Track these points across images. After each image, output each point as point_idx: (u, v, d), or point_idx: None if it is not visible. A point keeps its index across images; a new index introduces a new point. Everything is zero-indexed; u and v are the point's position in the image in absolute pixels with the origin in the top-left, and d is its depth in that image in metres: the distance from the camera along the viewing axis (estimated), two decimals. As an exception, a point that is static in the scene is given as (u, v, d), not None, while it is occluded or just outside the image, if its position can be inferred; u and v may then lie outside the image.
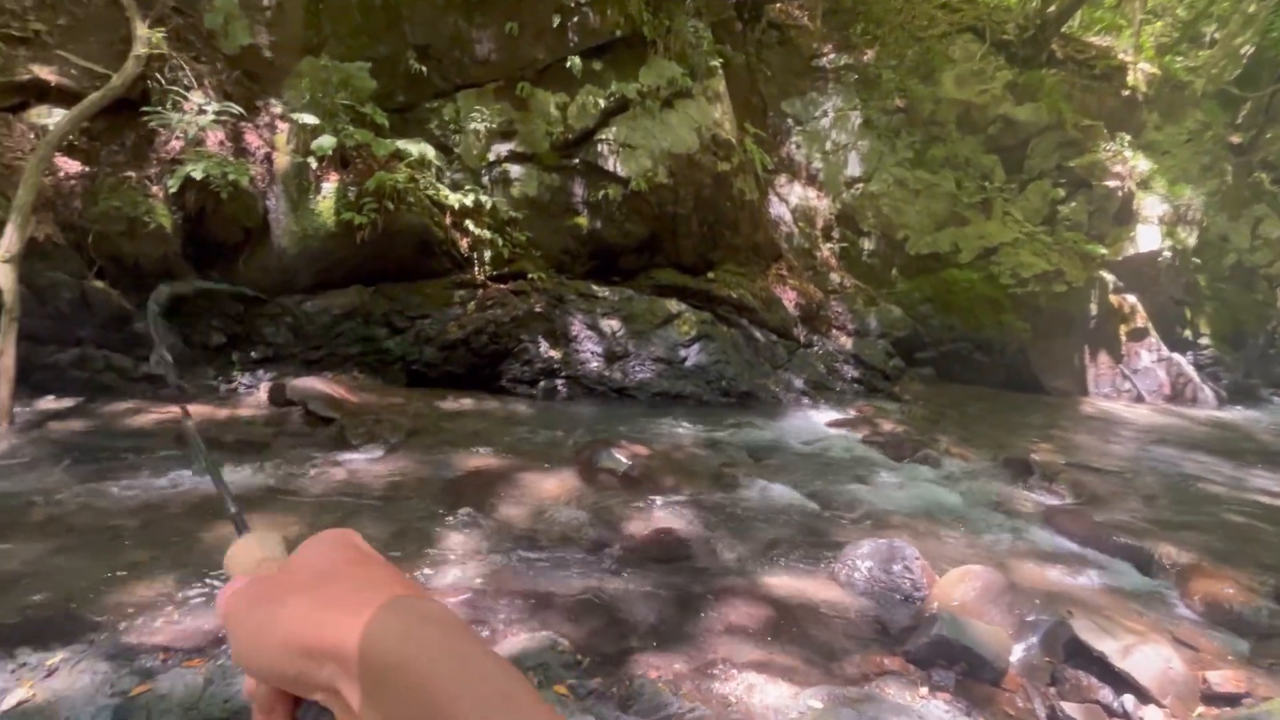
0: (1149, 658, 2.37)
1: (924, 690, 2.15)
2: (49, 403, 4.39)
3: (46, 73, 4.94)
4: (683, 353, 6.63)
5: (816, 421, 6.20)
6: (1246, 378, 10.68)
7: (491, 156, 6.59)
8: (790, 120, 9.07)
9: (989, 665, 2.43)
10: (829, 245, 8.93)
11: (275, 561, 0.43)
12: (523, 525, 3.37)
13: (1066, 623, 2.59)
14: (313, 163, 5.52)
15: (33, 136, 4.82)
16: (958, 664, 2.44)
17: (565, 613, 2.56)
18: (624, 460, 4.32)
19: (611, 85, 6.57)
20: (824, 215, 8.93)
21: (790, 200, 8.91)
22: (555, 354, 6.31)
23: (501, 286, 6.38)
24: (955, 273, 8.84)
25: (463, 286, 6.31)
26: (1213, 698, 2.38)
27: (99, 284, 4.81)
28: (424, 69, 6.15)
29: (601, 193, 6.65)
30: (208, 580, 2.43)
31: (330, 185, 5.62)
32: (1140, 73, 10.33)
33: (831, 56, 9.23)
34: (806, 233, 8.81)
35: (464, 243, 6.32)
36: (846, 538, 3.47)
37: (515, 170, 6.57)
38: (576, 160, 6.71)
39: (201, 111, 5.20)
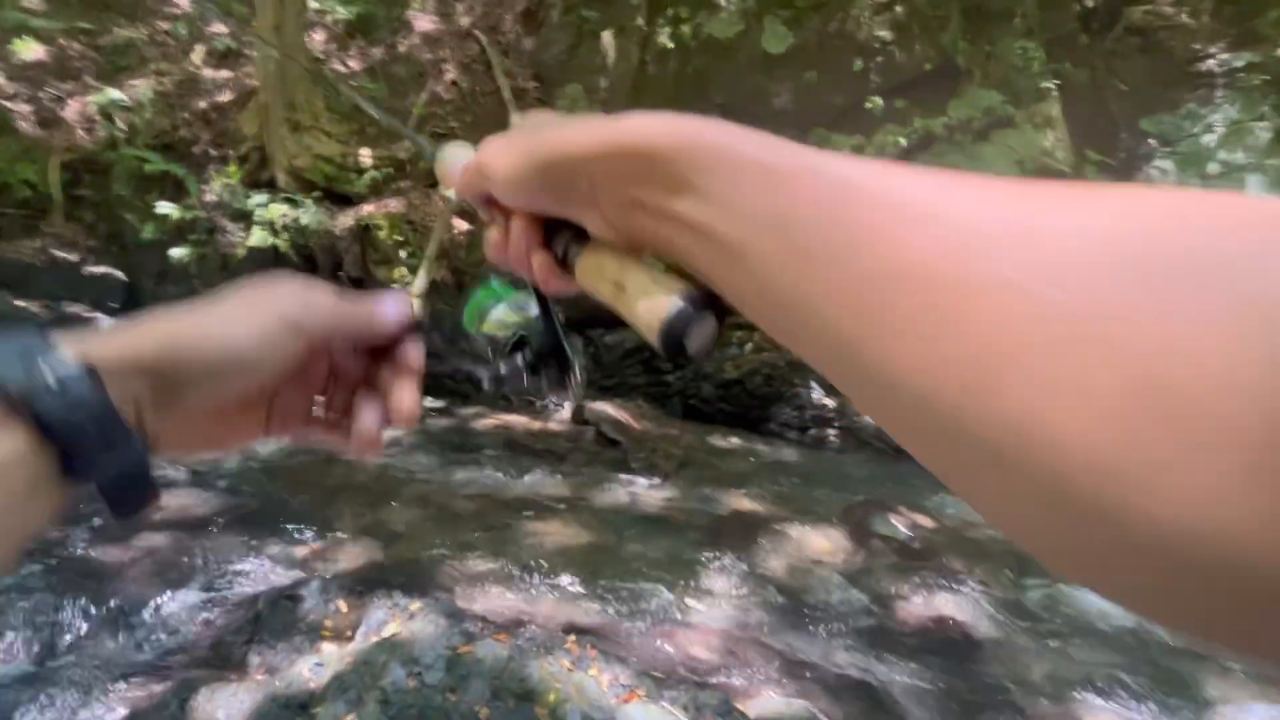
0: None
1: None
2: (428, 402, 5.78)
3: (454, 157, 6.66)
4: (982, 415, 5.76)
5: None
6: None
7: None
8: (1153, 141, 7.34)
9: None
10: (1207, 295, 6.90)
11: None
12: (784, 579, 3.26)
13: None
14: (624, 215, 6.34)
15: (440, 204, 6.52)
16: None
17: (824, 686, 2.37)
18: (902, 529, 3.88)
19: (914, 122, 6.18)
20: (1200, 257, 6.95)
21: (1146, 238, 7.17)
22: (830, 401, 6.05)
23: (779, 330, 6.41)
24: None
25: (741, 328, 6.51)
26: None
27: (468, 314, 6.23)
28: (724, 126, 6.61)
29: (894, 235, 6.24)
30: (520, 568, 2.89)
31: (636, 234, 6.37)
32: None
33: (1223, 57, 7.25)
34: (1170, 279, 6.96)
35: (746, 286, 6.54)
36: (1216, 692, 2.55)
37: (802, 215, 6.59)
38: (868, 202, 6.45)
39: (548, 178, 6.42)
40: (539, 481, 4.19)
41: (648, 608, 2.71)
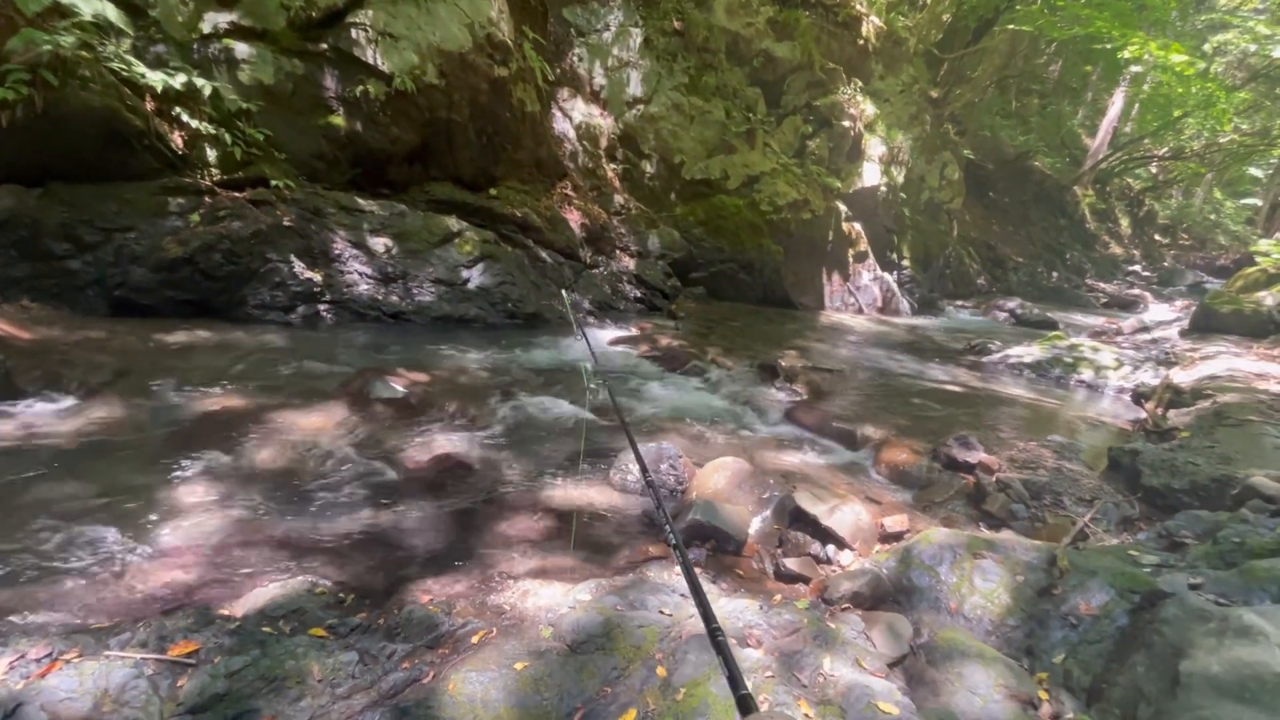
0: (846, 514, 2.98)
1: (679, 569, 2.46)
2: None
3: None
4: (465, 274, 6.31)
5: (601, 340, 6.44)
6: (930, 292, 13.52)
7: (206, 28, 5.31)
8: (573, 30, 8.72)
9: (733, 539, 2.85)
10: (612, 166, 9.01)
11: None
12: (279, 467, 3.02)
13: (791, 496, 3.13)
14: (-95, 4, 3.91)
15: None
16: (709, 541, 2.83)
17: (330, 554, 2.39)
18: (399, 388, 4.05)
19: (363, -43, 5.62)
20: (607, 134, 8.93)
21: (574, 116, 8.72)
22: (315, 275, 5.56)
23: (236, 194, 5.35)
24: (724, 198, 9.58)
25: (181, 193, 5.16)
26: (887, 537, 3.10)
27: None
28: (86, -108, 4.60)
29: (360, 88, 5.80)
30: None
31: (-56, 41, 4.06)
32: (871, 25, 11.80)
33: (612, -35, 8.94)
34: (590, 151, 8.75)
35: (177, 137, 5.12)
36: (622, 445, 3.73)
37: (241, 50, 5.40)
38: (325, 46, 5.72)
39: None
40: None
41: (78, 558, 2.11)
